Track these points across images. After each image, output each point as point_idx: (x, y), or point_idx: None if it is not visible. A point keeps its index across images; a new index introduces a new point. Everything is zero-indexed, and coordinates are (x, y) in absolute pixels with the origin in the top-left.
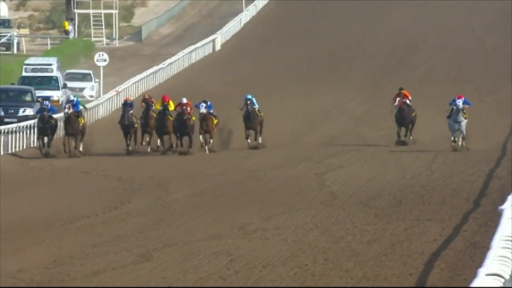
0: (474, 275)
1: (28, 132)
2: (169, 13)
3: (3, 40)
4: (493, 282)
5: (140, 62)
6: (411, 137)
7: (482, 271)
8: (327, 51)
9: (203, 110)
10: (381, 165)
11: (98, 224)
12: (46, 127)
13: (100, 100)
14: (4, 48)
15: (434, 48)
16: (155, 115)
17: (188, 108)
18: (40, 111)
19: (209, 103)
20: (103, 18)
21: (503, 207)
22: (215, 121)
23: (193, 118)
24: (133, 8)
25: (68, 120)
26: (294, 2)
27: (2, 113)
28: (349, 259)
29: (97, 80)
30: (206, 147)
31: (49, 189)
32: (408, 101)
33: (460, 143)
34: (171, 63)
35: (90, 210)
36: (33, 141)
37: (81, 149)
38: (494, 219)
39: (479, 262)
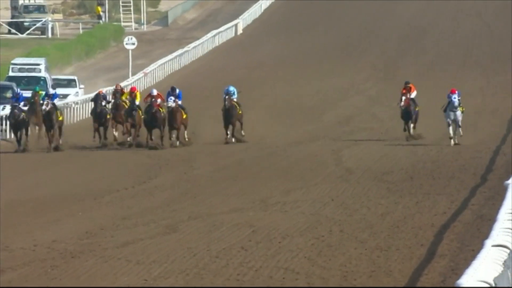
0: (481, 246)
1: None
2: None
3: (39, 25)
4: (498, 254)
5: (166, 46)
6: (415, 131)
7: (488, 242)
8: (343, 35)
9: (171, 103)
10: (393, 142)
11: (127, 197)
12: (18, 122)
13: (129, 81)
14: (39, 32)
15: (443, 33)
16: (126, 106)
17: (159, 100)
18: (13, 101)
19: (178, 91)
20: (131, 4)
21: (508, 181)
22: (185, 116)
23: (163, 110)
24: None
25: (47, 115)
26: None
27: None
28: (364, 230)
29: (81, 86)
30: (174, 139)
31: (81, 165)
32: (413, 95)
33: (455, 139)
34: (195, 46)
35: (120, 184)
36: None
37: (60, 142)
38: (500, 193)
39: (486, 234)
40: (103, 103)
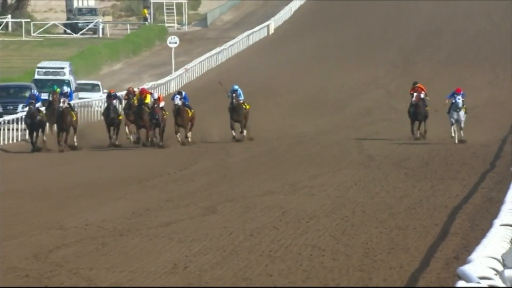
0: (490, 225)
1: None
2: (230, 2)
3: (91, 26)
4: (505, 232)
5: (205, 44)
6: (425, 132)
7: (497, 222)
8: (364, 35)
9: (177, 101)
10: (410, 131)
11: (170, 182)
12: (34, 122)
13: (172, 76)
14: (91, 32)
15: (456, 31)
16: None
17: (161, 104)
18: (28, 103)
19: (183, 94)
20: (174, 7)
21: None
22: (190, 114)
23: (167, 113)
24: None
25: (60, 115)
26: None
27: (1, 110)
28: (384, 211)
29: (105, 91)
30: (179, 138)
31: (128, 152)
32: (422, 95)
33: (458, 137)
34: (231, 45)
35: (163, 170)
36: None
37: (75, 143)
38: (507, 178)
39: (495, 214)
40: (114, 102)
